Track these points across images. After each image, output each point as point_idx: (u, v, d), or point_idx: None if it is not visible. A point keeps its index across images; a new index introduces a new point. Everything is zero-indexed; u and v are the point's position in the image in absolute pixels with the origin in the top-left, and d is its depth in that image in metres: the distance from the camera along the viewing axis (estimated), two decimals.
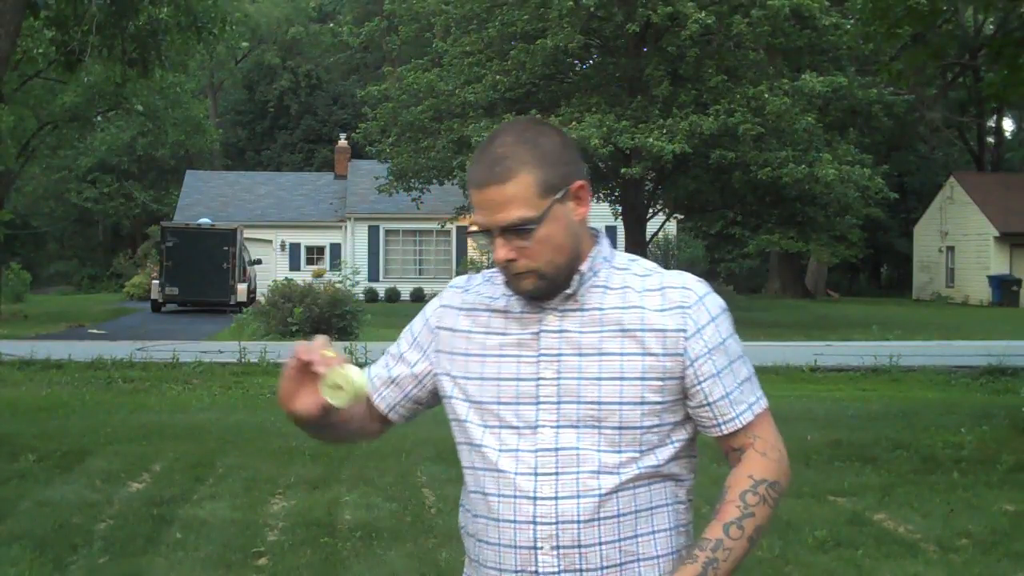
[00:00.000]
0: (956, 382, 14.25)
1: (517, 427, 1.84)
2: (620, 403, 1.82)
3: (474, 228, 1.87)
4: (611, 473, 1.81)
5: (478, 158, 1.84)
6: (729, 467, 1.90)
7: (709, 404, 1.87)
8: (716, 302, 1.89)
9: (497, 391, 1.86)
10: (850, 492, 7.27)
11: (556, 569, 1.80)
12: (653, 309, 1.85)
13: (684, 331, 1.85)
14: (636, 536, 1.83)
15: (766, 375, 14.68)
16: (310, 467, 8.00)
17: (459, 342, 1.93)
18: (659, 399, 1.84)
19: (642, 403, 1.83)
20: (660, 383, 1.84)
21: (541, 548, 1.80)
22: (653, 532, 1.85)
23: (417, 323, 2.02)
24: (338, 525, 6.38)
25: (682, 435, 1.89)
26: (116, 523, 6.40)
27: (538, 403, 1.83)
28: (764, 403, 1.92)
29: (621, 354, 1.83)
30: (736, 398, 1.88)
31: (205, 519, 6.50)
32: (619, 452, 1.82)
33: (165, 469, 8.00)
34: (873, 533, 6.21)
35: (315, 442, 9.00)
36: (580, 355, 1.84)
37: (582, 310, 1.86)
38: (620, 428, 1.82)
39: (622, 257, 1.93)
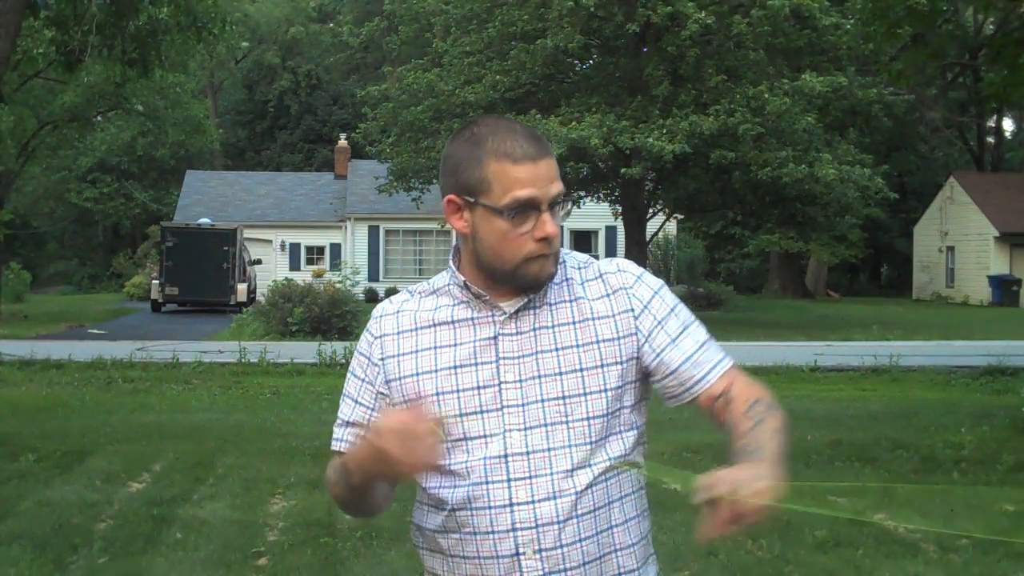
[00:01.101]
0: (956, 382, 14.24)
1: (484, 436, 1.82)
2: (584, 394, 1.82)
3: (513, 204, 1.78)
4: (584, 468, 1.81)
5: (511, 136, 1.81)
6: (718, 420, 1.87)
7: (673, 372, 1.87)
8: (654, 278, 1.93)
9: (458, 403, 1.83)
10: (850, 492, 7.26)
11: (541, 572, 1.80)
12: (597, 297, 1.88)
13: (632, 310, 1.88)
14: (611, 527, 1.85)
15: (766, 375, 14.68)
16: (310, 467, 7.99)
17: (407, 365, 1.88)
18: (619, 383, 1.85)
19: (605, 390, 1.84)
20: (619, 366, 1.85)
21: (524, 553, 1.79)
22: (625, 521, 1.87)
23: (358, 364, 1.94)
24: (338, 525, 6.38)
25: (640, 419, 1.91)
26: (116, 523, 6.40)
27: (502, 408, 1.82)
28: (730, 361, 1.91)
29: (577, 346, 1.84)
30: (699, 359, 1.88)
31: (205, 519, 6.50)
32: (590, 444, 1.82)
33: (165, 469, 8.00)
34: (873, 533, 6.21)
35: (315, 442, 8.95)
36: (537, 353, 1.83)
37: (532, 308, 1.86)
38: (588, 419, 1.82)
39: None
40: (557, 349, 1.84)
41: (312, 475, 7.71)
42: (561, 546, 1.80)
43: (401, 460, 1.68)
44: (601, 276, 1.90)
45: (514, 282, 1.84)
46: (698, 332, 1.91)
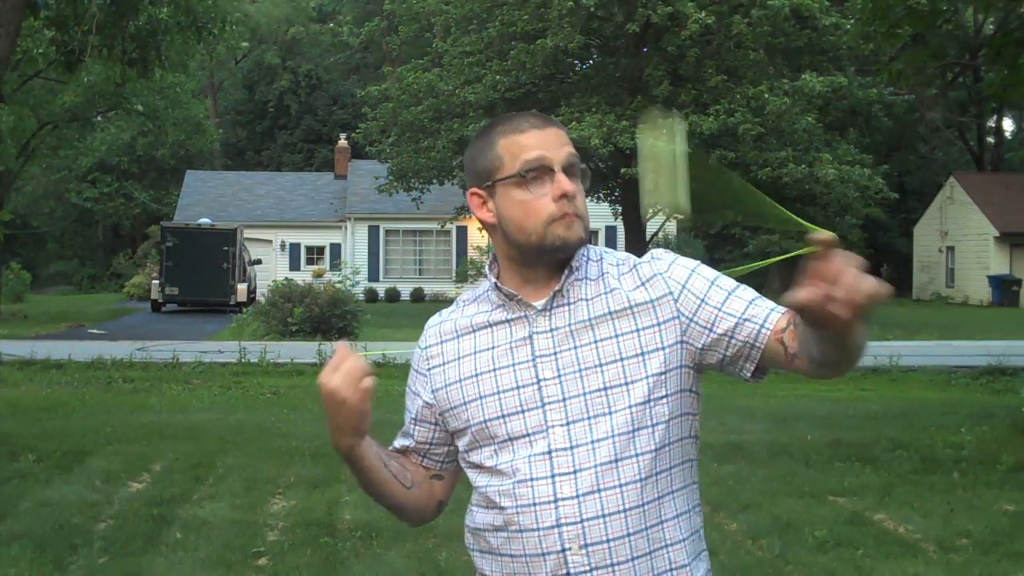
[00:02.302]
0: (956, 382, 14.24)
1: (528, 435, 1.82)
2: (626, 383, 1.80)
3: (524, 165, 1.83)
4: (629, 459, 1.79)
5: (518, 116, 1.89)
6: (792, 349, 1.76)
7: (732, 337, 1.82)
8: (687, 259, 1.91)
9: (499, 405, 1.84)
10: (850, 492, 7.27)
11: (588, 567, 1.78)
12: (632, 288, 1.87)
13: (671, 293, 1.85)
14: (662, 522, 1.82)
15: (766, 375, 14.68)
16: (310, 467, 8.00)
17: (451, 372, 1.91)
18: (662, 369, 1.82)
19: (647, 376, 1.81)
20: (661, 352, 1.83)
21: (569, 549, 1.78)
22: (676, 516, 1.84)
23: (411, 379, 2.02)
24: (338, 525, 6.38)
25: (689, 408, 1.87)
26: (116, 523, 6.40)
27: (543, 405, 1.81)
28: (784, 308, 1.81)
29: (616, 336, 1.83)
30: (751, 314, 1.82)
31: (205, 519, 6.50)
32: (633, 433, 1.79)
33: (165, 469, 8.00)
34: (873, 533, 6.21)
35: (315, 442, 8.96)
36: (575, 347, 1.83)
37: (568, 304, 1.86)
38: (631, 407, 1.80)
39: (595, 249, 1.95)
40: (596, 341, 1.83)
41: (312, 475, 7.72)
42: (608, 540, 1.78)
43: (334, 393, 1.78)
44: (635, 268, 1.90)
45: (545, 252, 1.83)
46: (745, 292, 1.86)
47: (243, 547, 5.91)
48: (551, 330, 1.85)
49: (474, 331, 1.91)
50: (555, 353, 1.83)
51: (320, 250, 37.30)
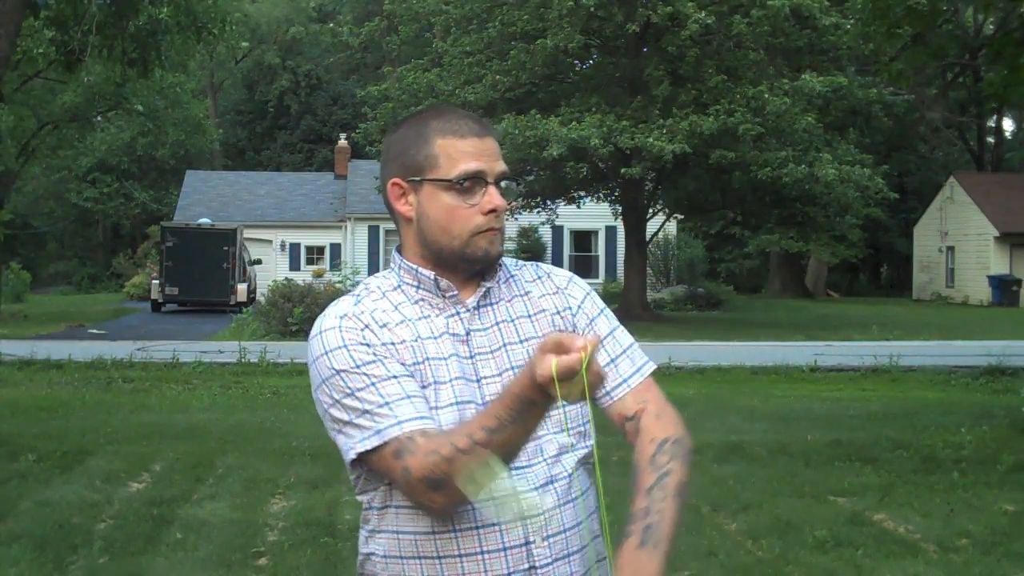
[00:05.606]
0: (956, 382, 14.24)
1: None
2: None
3: (462, 175, 1.79)
4: (568, 453, 1.83)
5: (456, 116, 1.85)
6: (628, 441, 1.89)
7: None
8: (584, 282, 2.00)
9: (453, 392, 1.79)
10: (850, 492, 7.27)
11: (550, 559, 1.79)
12: (542, 295, 1.93)
13: (570, 308, 1.93)
14: (589, 515, 1.87)
15: (766, 375, 14.70)
16: (310, 467, 8.00)
17: (405, 354, 1.80)
18: None
19: None
20: None
21: (533, 542, 1.78)
22: (596, 510, 1.90)
23: (360, 351, 1.77)
24: (338, 525, 6.38)
25: (588, 413, 1.90)
26: (116, 523, 6.40)
27: (485, 403, 1.77)
28: (652, 365, 1.95)
29: (539, 337, 1.85)
30: (621, 364, 1.91)
31: (205, 519, 6.50)
32: (561, 432, 1.84)
33: (165, 469, 8.00)
34: (873, 533, 6.21)
35: (315, 442, 8.93)
36: (504, 346, 1.85)
37: (491, 304, 1.87)
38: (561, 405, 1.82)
39: None
40: (522, 341, 1.86)
41: (312, 475, 7.71)
42: (564, 530, 1.81)
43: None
44: (539, 278, 1.95)
45: (463, 261, 1.83)
46: (623, 337, 1.95)
47: (243, 547, 5.91)
48: (484, 328, 1.85)
49: (409, 322, 1.83)
50: (491, 352, 1.84)
51: (320, 250, 37.30)
